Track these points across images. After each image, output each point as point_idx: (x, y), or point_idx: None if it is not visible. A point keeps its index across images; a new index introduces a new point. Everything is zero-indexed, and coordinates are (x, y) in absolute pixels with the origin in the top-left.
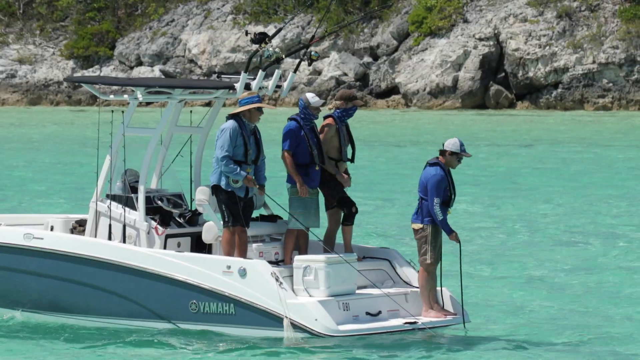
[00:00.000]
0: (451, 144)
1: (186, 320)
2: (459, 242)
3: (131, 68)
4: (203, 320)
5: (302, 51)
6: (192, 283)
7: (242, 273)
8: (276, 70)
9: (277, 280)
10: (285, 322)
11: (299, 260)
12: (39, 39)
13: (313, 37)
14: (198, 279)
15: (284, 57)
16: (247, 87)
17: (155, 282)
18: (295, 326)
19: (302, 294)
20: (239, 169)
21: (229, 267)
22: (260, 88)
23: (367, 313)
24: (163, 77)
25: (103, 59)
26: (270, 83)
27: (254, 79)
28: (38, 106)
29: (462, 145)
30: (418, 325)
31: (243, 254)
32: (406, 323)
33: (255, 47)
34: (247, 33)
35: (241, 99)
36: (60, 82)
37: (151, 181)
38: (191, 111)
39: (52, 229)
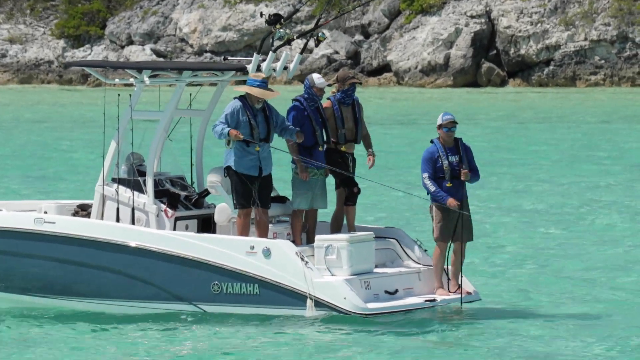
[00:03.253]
0: (438, 119)
1: (209, 302)
2: (460, 208)
3: (122, 47)
4: (226, 301)
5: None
6: (215, 264)
7: (267, 253)
8: (284, 52)
9: (302, 259)
10: (309, 302)
11: (320, 239)
12: (30, 19)
13: (319, 19)
14: (221, 260)
15: (295, 38)
16: (258, 68)
17: (176, 264)
18: (322, 305)
19: (324, 273)
20: (222, 127)
21: (252, 247)
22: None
23: (386, 291)
24: (154, 56)
25: (94, 39)
26: (278, 65)
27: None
28: (28, 84)
29: (444, 115)
30: (437, 303)
31: (264, 234)
32: (426, 301)
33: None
34: (262, 14)
35: (249, 79)
36: (50, 62)
37: (148, 164)
38: (191, 94)
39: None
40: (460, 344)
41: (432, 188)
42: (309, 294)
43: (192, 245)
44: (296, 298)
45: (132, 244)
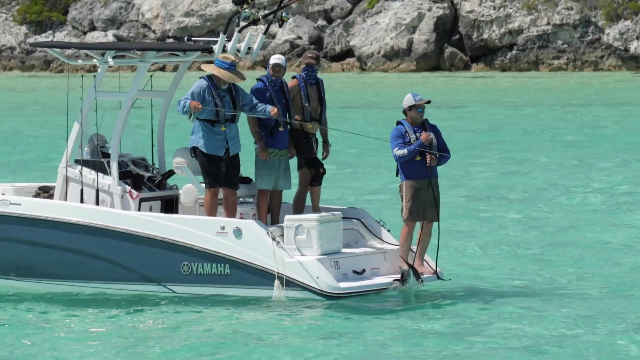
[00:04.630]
0: (405, 101)
1: (179, 283)
2: (431, 138)
3: (84, 33)
4: (196, 282)
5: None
6: (185, 245)
7: (238, 233)
8: (248, 33)
9: (273, 239)
10: (276, 282)
11: (289, 219)
12: None
13: (282, 0)
14: (191, 240)
15: (260, 18)
16: (224, 49)
17: (145, 245)
18: (294, 284)
19: (294, 253)
20: (183, 101)
21: (223, 227)
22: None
23: (354, 271)
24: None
25: (56, 24)
26: (243, 45)
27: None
28: None
29: (415, 95)
30: (406, 283)
31: (232, 215)
32: (395, 280)
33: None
34: None
35: (217, 59)
36: (12, 48)
37: (112, 145)
38: (152, 75)
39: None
40: (428, 322)
41: (403, 150)
42: (277, 273)
43: (162, 226)
44: (267, 278)
45: (102, 225)
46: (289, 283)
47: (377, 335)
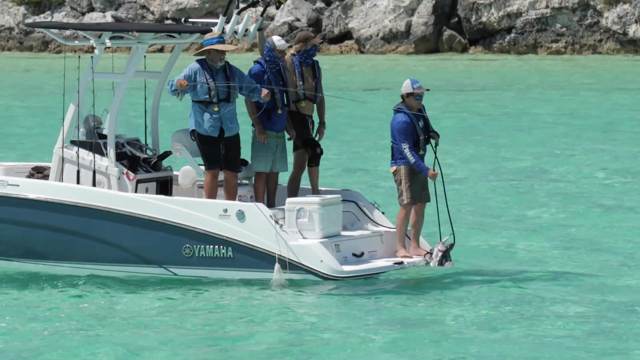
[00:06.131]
0: (404, 87)
1: (180, 265)
2: (438, 177)
3: (83, 14)
4: (198, 265)
5: None
6: (187, 227)
7: (240, 216)
8: (246, 15)
9: (276, 222)
10: (277, 266)
11: (291, 202)
12: None
13: None
14: (193, 222)
15: (260, 0)
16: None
17: (147, 228)
18: (297, 267)
19: (295, 236)
20: (171, 81)
21: (225, 210)
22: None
23: (354, 254)
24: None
25: (54, 5)
26: (240, 26)
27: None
28: None
29: (414, 82)
30: (404, 266)
31: (232, 197)
32: (395, 264)
33: None
34: None
35: (205, 39)
36: (11, 28)
37: (109, 127)
38: (145, 56)
39: None
40: (432, 305)
41: (413, 160)
42: (279, 256)
43: (163, 208)
44: (271, 261)
45: (104, 207)
46: (292, 266)
47: (380, 317)
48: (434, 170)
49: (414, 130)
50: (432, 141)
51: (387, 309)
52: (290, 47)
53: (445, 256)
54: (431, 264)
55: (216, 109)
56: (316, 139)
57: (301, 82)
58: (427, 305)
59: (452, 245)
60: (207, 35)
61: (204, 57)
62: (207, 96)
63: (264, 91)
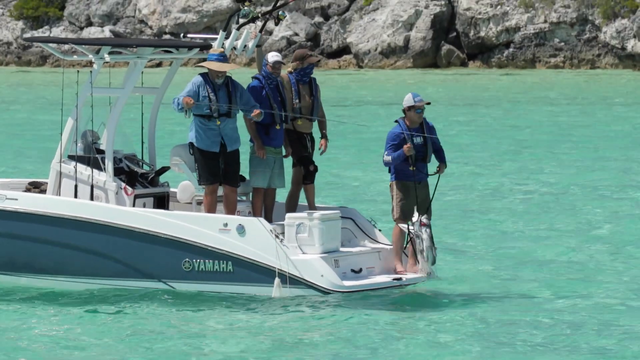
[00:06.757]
0: (405, 100)
1: (179, 279)
2: (412, 153)
3: (81, 29)
4: (198, 279)
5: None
6: (187, 241)
7: (241, 230)
8: (245, 30)
9: (277, 237)
10: (276, 280)
11: (291, 217)
12: None
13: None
14: (193, 237)
15: (260, 16)
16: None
17: (147, 242)
18: (298, 282)
19: (295, 251)
20: (177, 99)
21: (225, 224)
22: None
23: (352, 270)
24: (114, 37)
25: (53, 20)
26: (239, 42)
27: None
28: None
29: (415, 96)
30: (404, 282)
31: (232, 213)
32: (394, 279)
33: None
34: None
35: (209, 54)
36: (9, 43)
37: (107, 141)
38: (142, 72)
39: None
40: (430, 321)
41: (390, 157)
42: (279, 270)
43: (163, 222)
44: (271, 276)
45: (104, 221)
46: (293, 281)
47: (378, 331)
48: (407, 144)
49: (403, 142)
50: (436, 168)
51: (387, 323)
52: (282, 64)
53: (432, 238)
54: (424, 237)
55: (218, 122)
56: (319, 152)
57: (297, 100)
58: (426, 324)
59: (429, 219)
60: (211, 50)
61: (206, 71)
62: (209, 110)
63: (255, 111)
